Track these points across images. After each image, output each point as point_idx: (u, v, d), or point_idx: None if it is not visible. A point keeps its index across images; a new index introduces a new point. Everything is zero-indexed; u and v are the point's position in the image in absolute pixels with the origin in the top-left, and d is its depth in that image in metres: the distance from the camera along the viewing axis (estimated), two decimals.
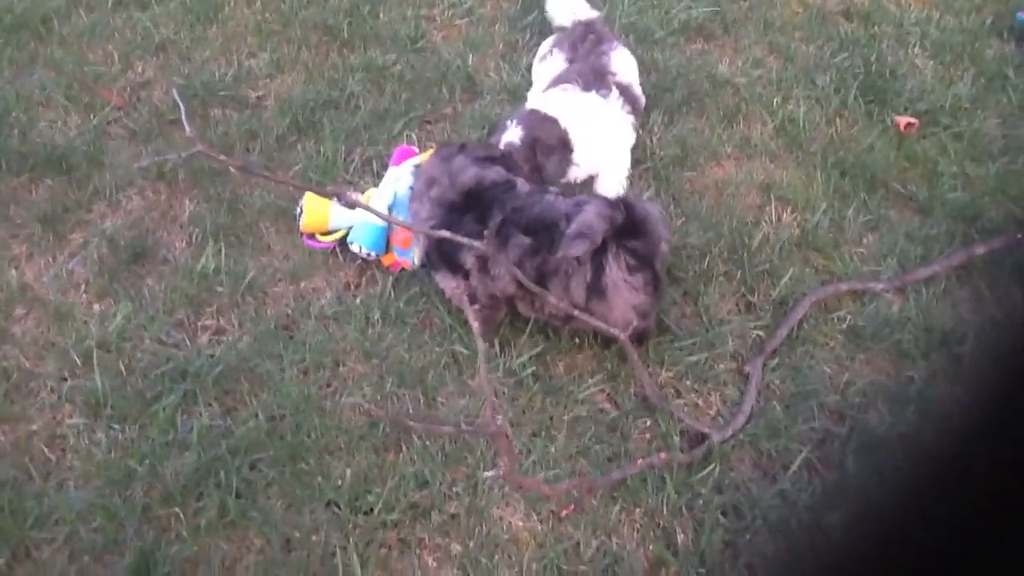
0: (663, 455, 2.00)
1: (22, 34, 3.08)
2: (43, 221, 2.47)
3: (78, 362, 2.16)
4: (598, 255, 2.09)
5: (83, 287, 2.34)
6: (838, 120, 3.06)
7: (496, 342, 2.27)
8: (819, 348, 2.35)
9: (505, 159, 2.31)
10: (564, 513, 1.96)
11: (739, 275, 2.51)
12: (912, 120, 3.03)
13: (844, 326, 2.40)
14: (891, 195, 2.81)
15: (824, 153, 2.92)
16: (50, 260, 2.40)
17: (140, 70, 3.00)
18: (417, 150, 2.70)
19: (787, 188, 2.78)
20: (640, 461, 2.01)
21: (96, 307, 2.30)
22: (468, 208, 2.18)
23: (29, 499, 1.90)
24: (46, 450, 2.01)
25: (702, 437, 2.12)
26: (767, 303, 2.44)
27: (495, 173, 2.21)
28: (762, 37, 3.44)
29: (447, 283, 2.26)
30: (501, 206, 2.15)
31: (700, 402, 2.23)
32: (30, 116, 2.78)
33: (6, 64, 2.95)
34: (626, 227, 2.10)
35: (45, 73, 2.93)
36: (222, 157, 1.93)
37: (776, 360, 2.30)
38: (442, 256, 2.22)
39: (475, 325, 1.72)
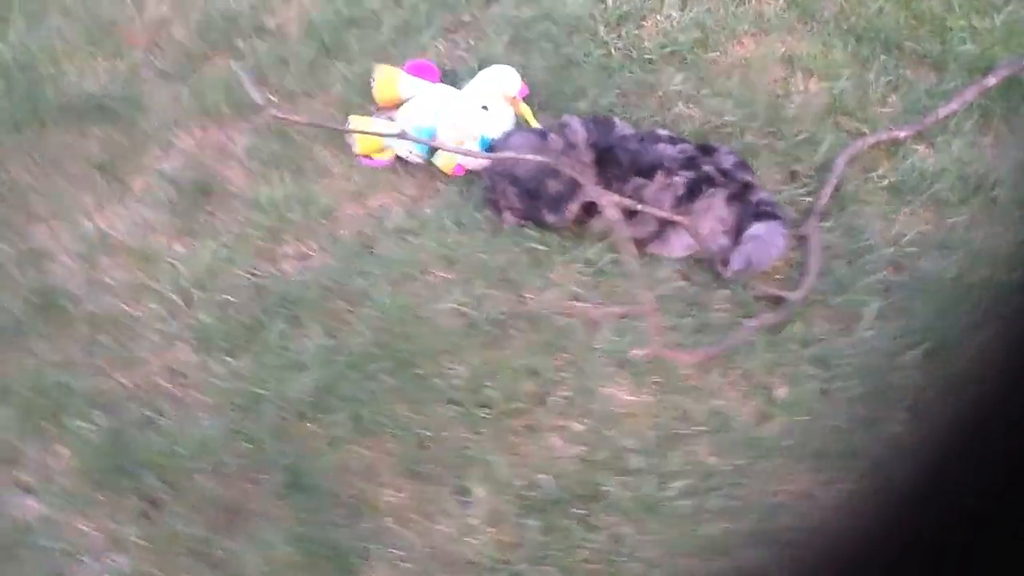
0: (764, 316, 2.19)
1: None
2: (102, 169, 2.50)
3: (178, 301, 2.23)
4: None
5: (160, 230, 2.39)
6: None
7: (566, 237, 2.39)
8: (866, 206, 2.50)
9: None
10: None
11: (780, 146, 2.63)
12: None
13: (885, 183, 2.55)
14: (906, 55, 2.92)
15: (837, 21, 3.01)
16: (120, 208, 2.43)
17: (154, 9, 2.97)
18: (434, 64, 2.74)
19: (808, 59, 2.88)
20: (747, 323, 2.19)
21: (178, 247, 2.36)
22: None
23: (170, 434, 2.01)
24: (169, 387, 2.11)
25: (778, 300, 2.27)
26: (811, 169, 2.58)
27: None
28: None
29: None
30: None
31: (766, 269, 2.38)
32: (57, 68, 2.76)
33: (19, 16, 2.89)
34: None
35: (60, 20, 2.88)
36: (295, 118, 2.34)
37: (830, 222, 2.45)
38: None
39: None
